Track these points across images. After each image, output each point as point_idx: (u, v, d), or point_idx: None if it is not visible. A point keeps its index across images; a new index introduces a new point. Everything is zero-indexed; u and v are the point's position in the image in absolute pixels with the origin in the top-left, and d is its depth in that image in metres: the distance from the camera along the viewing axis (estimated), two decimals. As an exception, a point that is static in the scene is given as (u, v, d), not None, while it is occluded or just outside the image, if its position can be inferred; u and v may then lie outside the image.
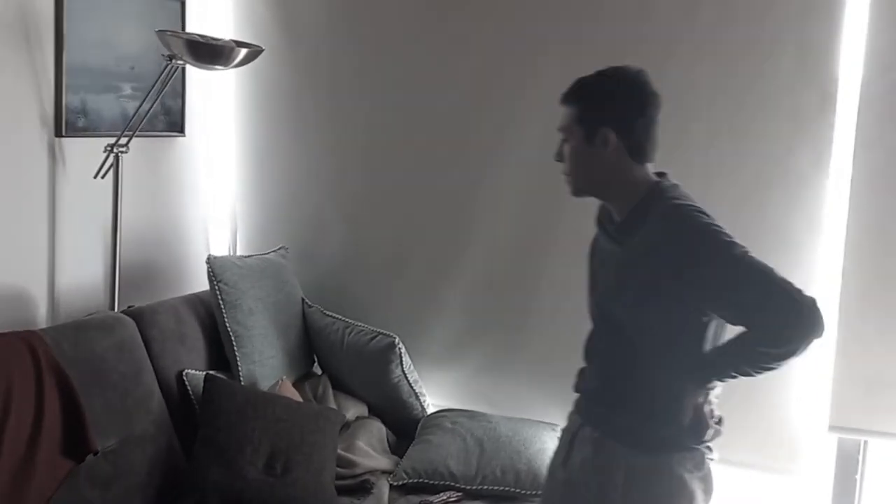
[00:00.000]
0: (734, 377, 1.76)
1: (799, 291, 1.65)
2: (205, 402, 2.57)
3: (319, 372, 3.19)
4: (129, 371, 2.47)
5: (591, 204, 1.92)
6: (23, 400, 2.13)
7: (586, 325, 1.96)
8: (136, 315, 2.65)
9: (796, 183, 2.58)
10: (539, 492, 2.65)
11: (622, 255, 1.82)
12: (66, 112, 2.66)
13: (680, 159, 2.71)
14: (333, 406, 2.95)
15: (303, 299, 3.19)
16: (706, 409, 1.79)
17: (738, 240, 1.70)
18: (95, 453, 2.24)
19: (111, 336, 2.48)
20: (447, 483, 2.64)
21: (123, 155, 2.69)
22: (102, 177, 2.69)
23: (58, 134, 2.66)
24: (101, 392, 2.36)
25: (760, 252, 2.59)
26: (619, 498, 1.80)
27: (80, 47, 2.69)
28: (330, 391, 3.03)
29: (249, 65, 2.77)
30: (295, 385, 2.95)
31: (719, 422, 1.83)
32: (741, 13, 2.61)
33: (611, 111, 1.78)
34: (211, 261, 2.86)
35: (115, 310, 2.74)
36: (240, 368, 2.81)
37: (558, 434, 2.86)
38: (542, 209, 2.88)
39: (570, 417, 2.02)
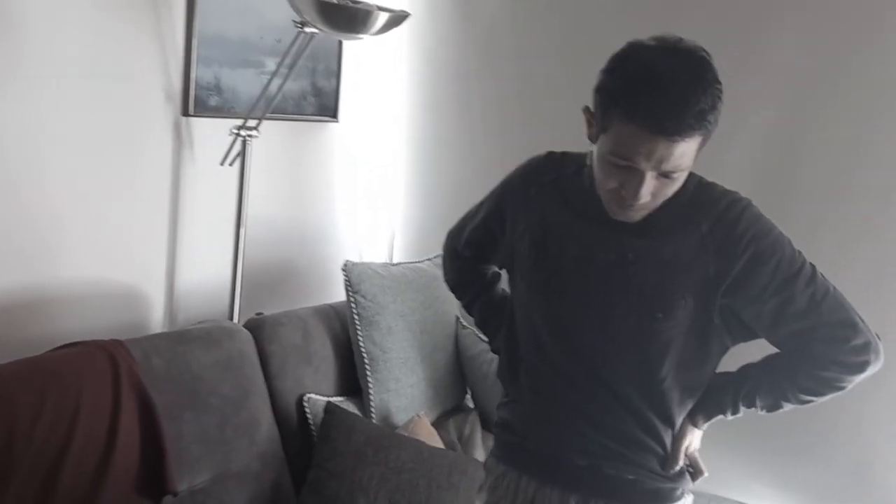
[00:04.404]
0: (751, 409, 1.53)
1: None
2: (321, 438, 2.18)
3: (472, 405, 2.70)
4: (233, 394, 2.09)
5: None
6: (91, 426, 1.78)
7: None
8: (254, 327, 2.27)
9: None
10: None
11: (657, 252, 1.46)
12: (195, 87, 2.32)
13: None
14: (481, 451, 2.45)
15: (457, 318, 2.70)
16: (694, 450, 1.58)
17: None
18: (175, 494, 1.87)
19: (216, 351, 2.09)
20: None
21: (254, 140, 2.32)
22: (230, 164, 2.34)
23: (185, 112, 2.32)
24: (194, 418, 1.98)
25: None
26: None
27: (217, 14, 2.34)
28: (479, 434, 2.53)
29: (421, 46, 2.35)
30: (437, 422, 2.48)
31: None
32: None
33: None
34: (348, 268, 2.44)
35: (235, 318, 2.38)
36: (371, 397, 2.38)
37: None
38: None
39: (512, 475, 1.66)
